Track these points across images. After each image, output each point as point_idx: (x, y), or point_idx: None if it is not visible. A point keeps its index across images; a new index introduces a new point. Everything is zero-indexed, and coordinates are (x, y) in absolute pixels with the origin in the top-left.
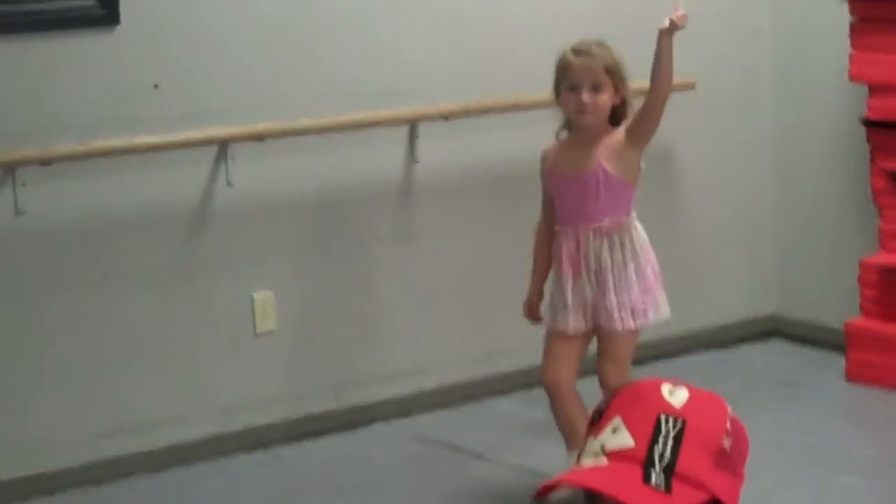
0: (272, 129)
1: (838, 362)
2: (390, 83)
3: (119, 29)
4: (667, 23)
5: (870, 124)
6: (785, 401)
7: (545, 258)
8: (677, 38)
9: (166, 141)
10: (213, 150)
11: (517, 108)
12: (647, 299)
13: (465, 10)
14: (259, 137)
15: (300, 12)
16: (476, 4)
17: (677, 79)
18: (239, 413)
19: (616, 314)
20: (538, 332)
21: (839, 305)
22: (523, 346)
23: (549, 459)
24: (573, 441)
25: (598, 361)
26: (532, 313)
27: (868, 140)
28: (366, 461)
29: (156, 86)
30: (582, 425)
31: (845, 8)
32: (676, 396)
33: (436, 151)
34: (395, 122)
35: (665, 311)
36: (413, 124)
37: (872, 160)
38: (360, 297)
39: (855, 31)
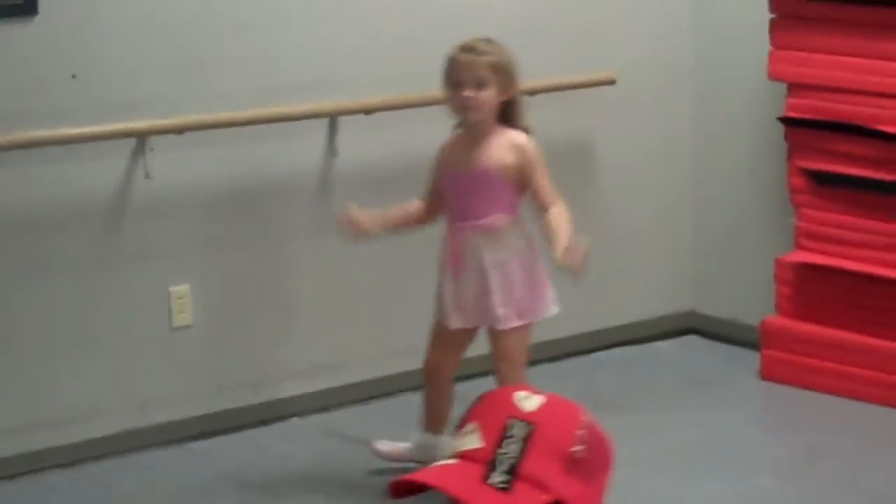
0: (191, 122)
1: (754, 360)
2: (311, 76)
3: (37, 19)
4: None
5: (788, 122)
6: (700, 399)
7: (402, 215)
8: (598, 31)
9: (85, 132)
10: (132, 141)
11: (437, 102)
12: (533, 297)
13: (389, 4)
14: (178, 130)
15: (221, 4)
16: None
17: (598, 73)
18: (155, 408)
19: (499, 312)
20: None
21: (756, 303)
22: None
23: None
24: (429, 423)
25: (492, 361)
26: (347, 225)
27: (786, 138)
28: (281, 457)
29: (74, 76)
30: (442, 412)
31: (766, 5)
32: (530, 402)
33: (356, 145)
34: (315, 115)
35: (553, 308)
36: (333, 118)
37: (790, 159)
38: (278, 292)
39: (775, 28)
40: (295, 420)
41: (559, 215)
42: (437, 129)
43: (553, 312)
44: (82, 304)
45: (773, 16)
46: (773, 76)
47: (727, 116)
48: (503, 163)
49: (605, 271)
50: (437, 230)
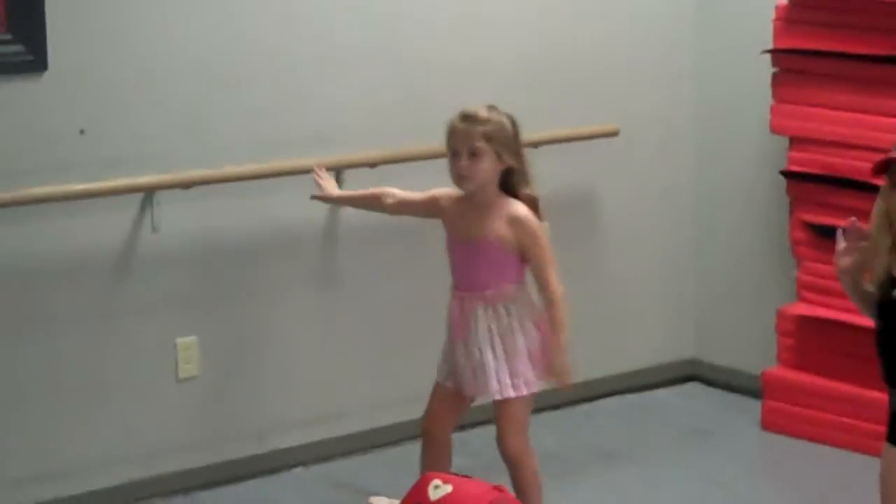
0: (198, 177)
1: (755, 409)
2: (316, 130)
3: (47, 75)
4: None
5: (789, 176)
6: (701, 450)
7: (365, 194)
8: (601, 83)
9: (92, 188)
10: (139, 195)
11: (440, 156)
12: (536, 364)
13: (392, 59)
14: (185, 185)
15: (226, 60)
16: (403, 53)
17: (600, 125)
18: (160, 458)
19: (503, 381)
20: None
21: (757, 352)
22: None
23: None
24: None
25: (498, 432)
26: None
27: (788, 191)
28: None
29: (82, 131)
30: (438, 470)
31: (768, 59)
32: (439, 490)
33: None
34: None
35: (537, 383)
36: (338, 171)
37: (792, 211)
38: (283, 342)
39: (777, 83)
40: (298, 470)
41: (556, 313)
42: (440, 183)
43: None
44: (89, 355)
45: (775, 70)
46: (776, 130)
47: (729, 168)
48: (503, 236)
49: (607, 319)
50: (438, 283)
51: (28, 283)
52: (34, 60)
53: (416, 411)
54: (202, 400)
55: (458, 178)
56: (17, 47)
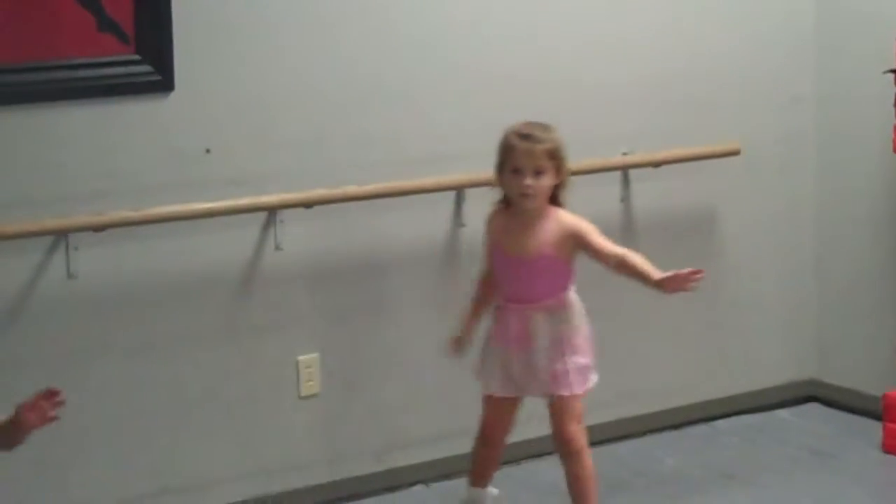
0: (320, 196)
1: (876, 430)
2: (437, 149)
3: (173, 95)
4: (660, 279)
5: None
6: (820, 472)
7: (483, 303)
8: (722, 103)
9: (217, 207)
10: (263, 214)
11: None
12: (589, 365)
13: (511, 80)
14: (307, 204)
15: (346, 80)
16: (521, 74)
17: (723, 144)
18: (281, 475)
19: (569, 380)
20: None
21: (879, 373)
22: None
23: None
24: (475, 479)
25: (558, 425)
26: (456, 348)
27: None
28: None
29: (208, 151)
30: (492, 469)
31: (890, 79)
32: None
33: (482, 216)
34: (440, 188)
35: (594, 377)
36: (460, 190)
37: None
38: (403, 360)
39: None
40: (419, 488)
41: (633, 259)
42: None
43: (595, 380)
44: (212, 373)
45: None
46: None
47: (851, 188)
48: (558, 247)
49: (727, 339)
50: None
51: (153, 301)
52: (162, 80)
53: (539, 429)
54: (323, 417)
55: (522, 196)
56: (145, 67)
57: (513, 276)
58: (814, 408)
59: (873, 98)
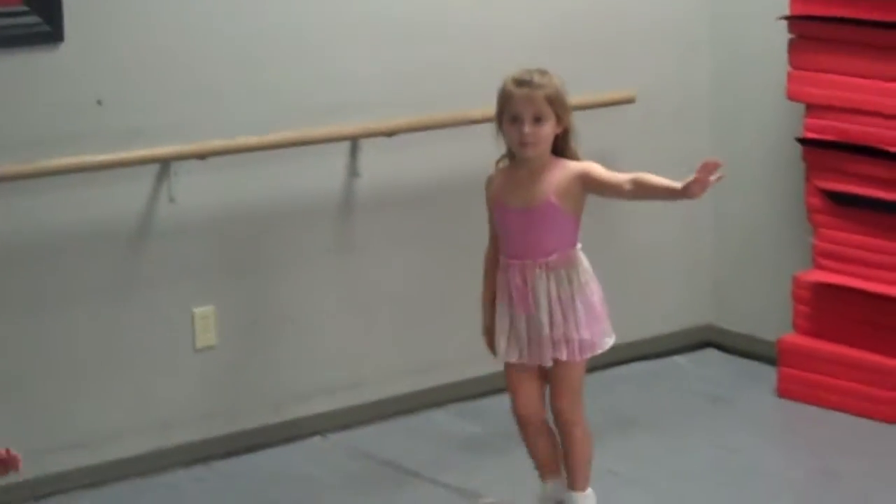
0: (214, 147)
1: (771, 375)
2: (333, 99)
3: (63, 46)
4: (686, 186)
5: (806, 143)
6: (717, 417)
7: (495, 285)
8: (617, 51)
9: (109, 159)
10: (156, 166)
11: (459, 124)
12: (595, 331)
13: (408, 27)
14: (201, 156)
15: (242, 30)
16: (419, 20)
17: (618, 92)
18: (178, 428)
19: (566, 347)
20: (474, 345)
21: (774, 319)
22: (460, 359)
23: (485, 478)
24: (542, 471)
25: (550, 394)
26: (491, 339)
27: (804, 159)
28: (304, 477)
29: (99, 102)
30: (550, 455)
31: (784, 26)
32: None
33: (377, 166)
34: (337, 138)
35: (610, 341)
36: (355, 140)
37: (808, 178)
38: (301, 312)
39: (794, 49)
40: (316, 439)
41: (644, 174)
42: (460, 149)
43: (609, 345)
44: (107, 326)
45: (792, 36)
46: (792, 97)
47: (746, 135)
48: (563, 198)
49: (624, 286)
50: (455, 249)
51: (45, 256)
52: (51, 31)
53: (435, 378)
54: (220, 369)
55: (522, 144)
56: (34, 18)
57: (515, 230)
58: (710, 353)
59: (768, 45)
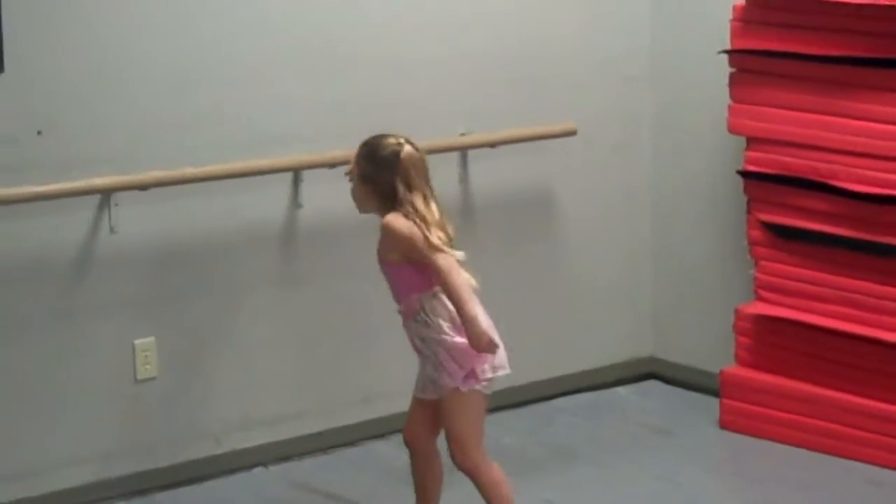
0: (155, 178)
1: (713, 407)
2: (275, 131)
3: (3, 77)
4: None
5: (747, 176)
6: (659, 449)
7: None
8: (557, 83)
9: (49, 190)
10: (97, 197)
11: None
12: (455, 372)
13: (349, 58)
14: (142, 187)
15: (184, 60)
16: (361, 52)
17: (559, 125)
18: (119, 459)
19: (441, 382)
20: (412, 377)
21: (716, 352)
22: (402, 390)
23: None
24: (420, 499)
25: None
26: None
27: (745, 191)
28: None
29: (39, 133)
30: (430, 485)
31: (725, 60)
32: None
33: (320, 197)
34: (278, 169)
35: (491, 373)
36: (297, 171)
37: (749, 211)
38: (242, 342)
39: (734, 82)
40: (258, 470)
41: (454, 280)
42: None
43: (489, 376)
44: (47, 357)
45: (732, 70)
46: (733, 130)
47: (687, 168)
48: (383, 249)
49: (565, 318)
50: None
51: None
52: None
53: (374, 411)
54: (161, 401)
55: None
56: None
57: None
58: (652, 385)
59: (708, 78)
